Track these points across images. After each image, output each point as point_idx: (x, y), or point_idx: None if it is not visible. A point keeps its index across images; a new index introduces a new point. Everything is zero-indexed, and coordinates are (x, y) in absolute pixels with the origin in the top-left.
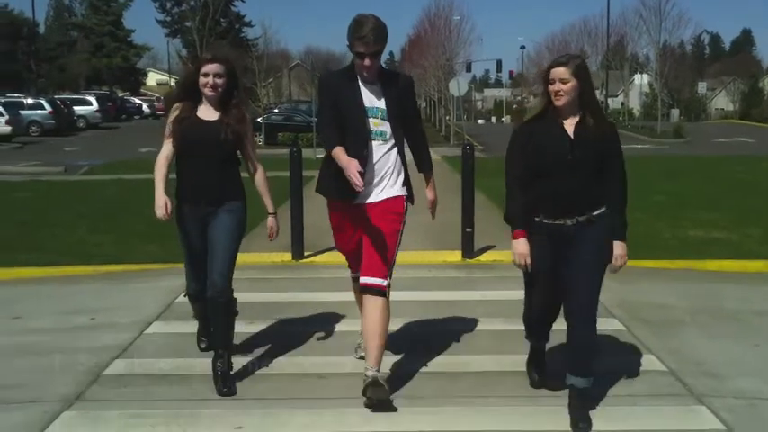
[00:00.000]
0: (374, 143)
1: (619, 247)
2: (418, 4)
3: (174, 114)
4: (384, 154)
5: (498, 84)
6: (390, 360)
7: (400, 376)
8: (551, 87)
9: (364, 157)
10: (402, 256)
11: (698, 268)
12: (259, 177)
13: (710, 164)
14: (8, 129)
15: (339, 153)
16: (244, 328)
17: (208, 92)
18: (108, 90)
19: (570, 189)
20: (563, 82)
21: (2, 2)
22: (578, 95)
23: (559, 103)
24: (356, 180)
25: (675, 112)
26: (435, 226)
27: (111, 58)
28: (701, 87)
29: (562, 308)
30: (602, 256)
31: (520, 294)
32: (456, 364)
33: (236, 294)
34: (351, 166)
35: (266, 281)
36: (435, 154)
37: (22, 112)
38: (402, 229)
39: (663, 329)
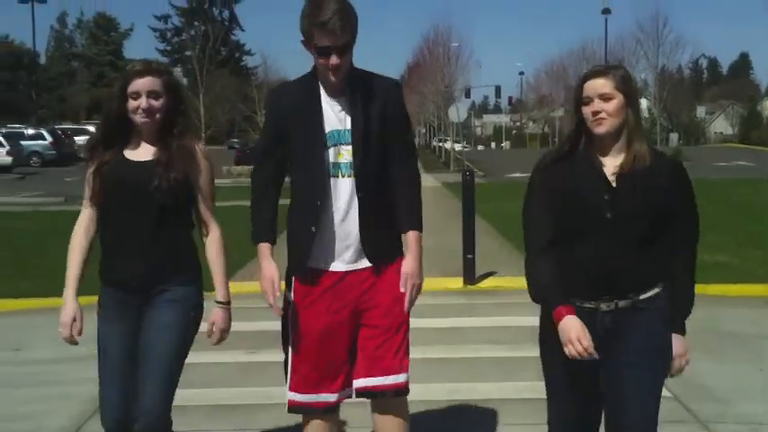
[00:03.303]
0: (344, 181)
1: (677, 343)
2: (417, 31)
3: (93, 165)
4: (366, 192)
5: (497, 109)
6: None
7: None
8: (586, 109)
9: (317, 208)
10: None
11: (700, 292)
12: (212, 243)
13: (711, 187)
14: (9, 159)
15: (262, 253)
16: (245, 357)
17: (139, 118)
18: None
19: (607, 258)
20: (605, 99)
21: (2, 33)
22: (626, 122)
23: (601, 129)
24: (272, 302)
25: (674, 137)
26: (436, 252)
27: (112, 87)
28: (700, 111)
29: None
30: (660, 353)
31: (522, 321)
32: (459, 391)
33: (237, 323)
34: (266, 282)
35: (268, 309)
36: (435, 180)
37: (23, 142)
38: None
39: None
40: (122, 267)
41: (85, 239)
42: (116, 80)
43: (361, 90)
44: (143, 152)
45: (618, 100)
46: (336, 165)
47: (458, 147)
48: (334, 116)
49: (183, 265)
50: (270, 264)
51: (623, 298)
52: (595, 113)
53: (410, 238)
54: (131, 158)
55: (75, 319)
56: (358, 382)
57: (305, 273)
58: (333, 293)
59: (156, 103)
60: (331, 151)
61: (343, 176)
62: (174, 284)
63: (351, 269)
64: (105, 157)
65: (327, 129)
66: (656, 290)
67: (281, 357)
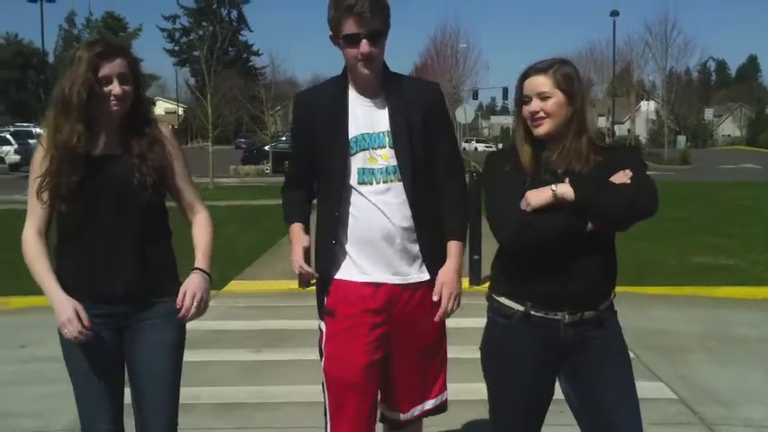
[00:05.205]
0: (380, 187)
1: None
2: (425, 32)
3: (43, 162)
4: (399, 202)
5: (505, 111)
6: None
7: None
8: (526, 109)
9: (338, 217)
10: None
11: (706, 295)
12: (201, 223)
13: (717, 190)
14: (17, 157)
15: (294, 232)
16: (251, 356)
17: (114, 107)
18: None
19: (564, 268)
20: (542, 98)
21: (12, 32)
22: (569, 120)
23: (540, 130)
24: (300, 270)
25: (682, 139)
26: None
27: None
28: (708, 114)
29: None
30: (627, 357)
31: None
32: (465, 391)
33: (243, 322)
34: (295, 254)
35: (274, 309)
36: None
37: (31, 141)
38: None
39: (672, 357)
40: (103, 280)
41: (42, 248)
42: (77, 63)
43: (398, 91)
44: (107, 145)
45: (557, 99)
46: (369, 171)
47: (481, 147)
48: (365, 119)
49: (167, 273)
50: (298, 239)
51: (586, 309)
52: (534, 113)
53: (451, 246)
54: (98, 153)
55: (77, 312)
56: (406, 416)
57: (338, 285)
58: (367, 314)
59: (128, 89)
60: (360, 156)
61: (377, 183)
62: (162, 297)
63: (391, 282)
64: (69, 153)
65: (354, 132)
66: (611, 296)
67: (285, 357)
